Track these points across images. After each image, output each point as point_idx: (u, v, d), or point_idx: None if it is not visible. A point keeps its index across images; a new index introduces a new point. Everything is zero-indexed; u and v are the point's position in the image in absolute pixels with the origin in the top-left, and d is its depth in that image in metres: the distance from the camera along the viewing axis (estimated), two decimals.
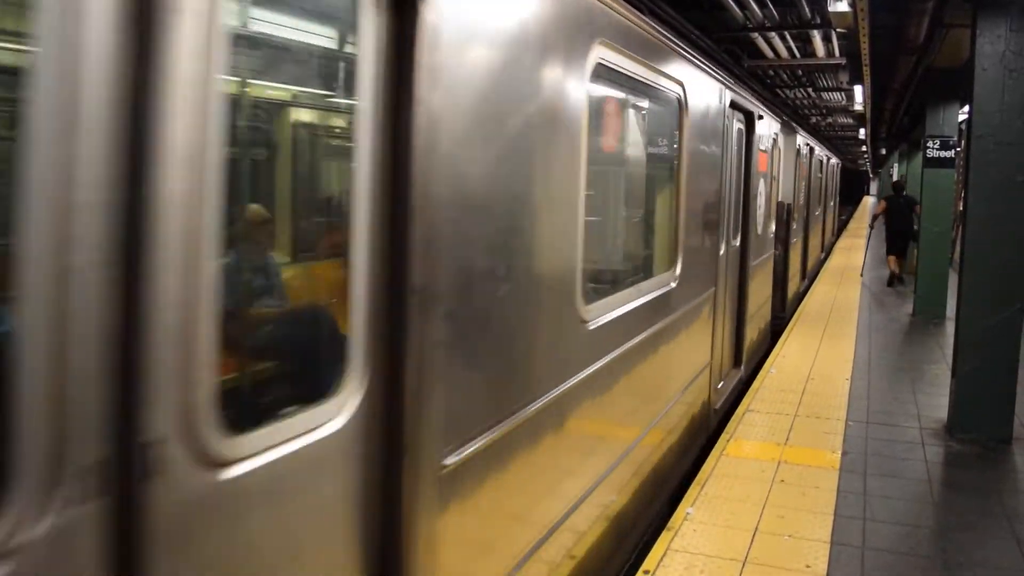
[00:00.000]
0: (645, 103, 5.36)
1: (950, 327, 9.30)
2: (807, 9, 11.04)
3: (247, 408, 1.99)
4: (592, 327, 3.75)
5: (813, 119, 26.28)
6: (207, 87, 1.63)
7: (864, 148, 39.38)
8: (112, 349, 1.46)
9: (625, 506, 4.47)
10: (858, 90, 15.95)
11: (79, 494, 1.41)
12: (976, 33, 6.24)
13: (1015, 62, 6.14)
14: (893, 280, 15.43)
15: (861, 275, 16.64)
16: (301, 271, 2.59)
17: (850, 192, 48.02)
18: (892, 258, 15.57)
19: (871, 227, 17.64)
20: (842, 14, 8.78)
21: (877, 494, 5.25)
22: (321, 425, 2.00)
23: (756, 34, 11.47)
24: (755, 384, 7.94)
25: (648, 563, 4.26)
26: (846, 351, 9.46)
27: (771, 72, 15.98)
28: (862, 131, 28.06)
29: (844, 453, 6.00)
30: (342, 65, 2.37)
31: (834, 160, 21.14)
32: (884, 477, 5.57)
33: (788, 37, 12.40)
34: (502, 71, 2.78)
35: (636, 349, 4.48)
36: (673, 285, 5.26)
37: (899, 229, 15.29)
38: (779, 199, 11.00)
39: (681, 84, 5.30)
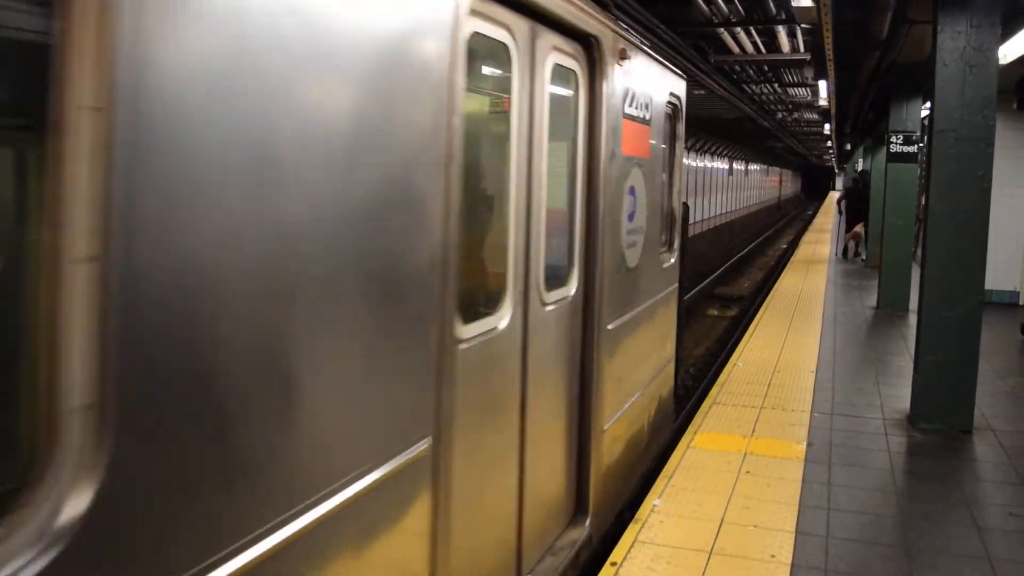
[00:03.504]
0: None
1: (913, 319, 9.44)
2: (772, 4, 11.13)
3: None
4: None
5: (780, 114, 26.54)
6: None
7: (829, 144, 39.84)
8: None
9: None
10: (823, 85, 16.16)
11: None
12: (937, 29, 6.32)
13: (975, 57, 6.22)
14: (847, 251, 19.61)
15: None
16: None
17: (816, 187, 48.74)
18: (849, 235, 19.68)
19: (840, 212, 21.53)
20: (806, 9, 8.85)
21: (841, 484, 5.31)
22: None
23: (722, 29, 11.54)
24: (721, 377, 7.99)
25: (615, 555, 4.27)
26: (811, 343, 9.56)
27: (738, 67, 16.10)
28: (827, 126, 28.42)
29: (809, 444, 6.05)
30: None
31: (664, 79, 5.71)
32: (848, 467, 5.63)
33: (754, 32, 12.52)
34: None
35: None
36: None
37: (856, 209, 19.04)
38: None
39: None
